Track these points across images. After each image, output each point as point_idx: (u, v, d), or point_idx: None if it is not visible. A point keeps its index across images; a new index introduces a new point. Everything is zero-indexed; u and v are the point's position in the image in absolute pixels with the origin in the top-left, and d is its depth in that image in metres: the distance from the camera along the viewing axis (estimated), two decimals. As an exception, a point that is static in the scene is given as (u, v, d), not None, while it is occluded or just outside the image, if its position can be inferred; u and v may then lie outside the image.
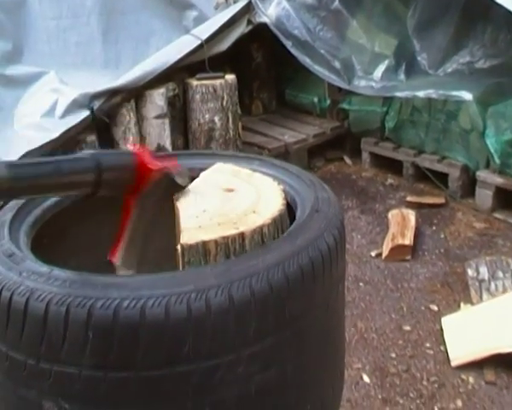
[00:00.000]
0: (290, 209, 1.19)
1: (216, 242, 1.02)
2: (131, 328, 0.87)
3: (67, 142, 2.91)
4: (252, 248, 1.04)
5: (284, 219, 1.12)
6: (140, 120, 3.17)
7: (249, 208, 1.11)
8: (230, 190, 1.19)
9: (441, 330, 2.14)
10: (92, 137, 3.04)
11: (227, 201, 1.15)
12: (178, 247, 1.03)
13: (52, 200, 1.27)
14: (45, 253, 1.11)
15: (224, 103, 3.29)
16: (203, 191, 1.19)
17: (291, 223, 1.13)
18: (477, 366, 1.94)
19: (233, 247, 1.03)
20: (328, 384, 1.12)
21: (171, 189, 1.15)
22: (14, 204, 1.23)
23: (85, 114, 2.91)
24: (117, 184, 1.06)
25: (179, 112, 3.38)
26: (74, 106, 2.89)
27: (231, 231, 1.03)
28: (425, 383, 1.92)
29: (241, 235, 1.03)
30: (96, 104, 2.95)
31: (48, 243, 1.22)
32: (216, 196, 1.17)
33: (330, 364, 1.12)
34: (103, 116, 2.98)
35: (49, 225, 1.24)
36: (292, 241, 1.01)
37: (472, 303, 2.23)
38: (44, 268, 0.98)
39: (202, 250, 1.02)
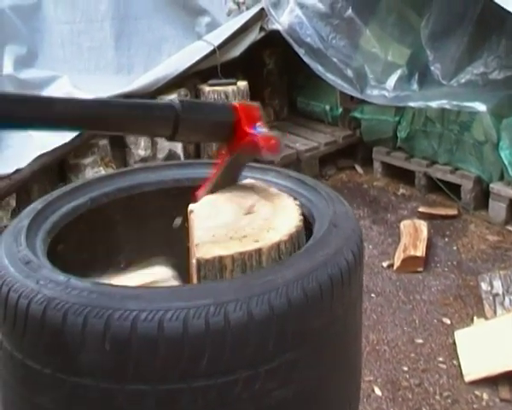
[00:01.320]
0: (307, 223, 1.18)
1: (233, 257, 1.00)
2: (149, 340, 0.86)
3: (80, 146, 2.92)
4: (268, 265, 1.02)
5: (301, 235, 1.11)
6: (152, 125, 3.17)
7: (266, 224, 1.10)
8: (247, 205, 1.18)
9: (454, 344, 2.11)
10: (104, 142, 3.05)
11: (243, 215, 1.14)
12: (194, 261, 1.02)
13: (69, 206, 1.27)
14: (60, 260, 1.10)
15: (236, 110, 3.28)
16: (219, 205, 1.18)
17: (308, 237, 1.12)
18: (491, 382, 1.91)
19: (250, 263, 1.02)
20: (345, 400, 1.10)
21: (253, 158, 1.20)
22: (31, 210, 1.22)
23: (98, 118, 2.92)
24: (196, 134, 1.18)
25: (191, 118, 3.38)
26: (87, 111, 2.90)
27: (249, 247, 1.02)
28: (438, 397, 1.89)
29: (259, 251, 1.02)
30: (109, 109, 2.96)
31: (63, 250, 1.22)
32: (232, 209, 1.16)
33: (347, 380, 1.10)
34: (116, 121, 2.99)
35: (66, 231, 1.23)
36: (310, 257, 0.99)
37: (485, 318, 2.21)
38: (62, 277, 0.97)
39: (218, 265, 1.01)
